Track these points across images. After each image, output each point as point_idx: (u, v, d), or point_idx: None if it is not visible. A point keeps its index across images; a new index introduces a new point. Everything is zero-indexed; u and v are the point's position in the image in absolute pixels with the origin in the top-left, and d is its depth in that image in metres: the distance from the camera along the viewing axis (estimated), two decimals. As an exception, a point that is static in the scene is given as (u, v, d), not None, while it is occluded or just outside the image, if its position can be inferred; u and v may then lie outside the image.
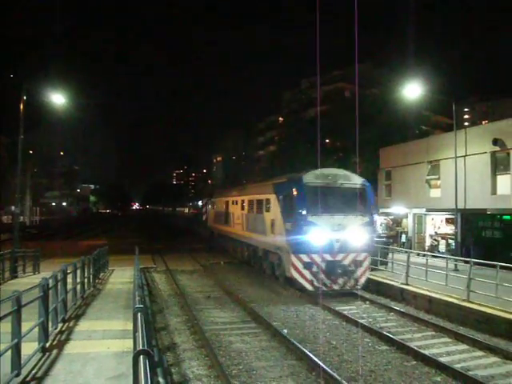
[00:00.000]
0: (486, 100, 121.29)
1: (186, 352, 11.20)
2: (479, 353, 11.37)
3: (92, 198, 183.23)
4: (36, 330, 9.19)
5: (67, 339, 10.51)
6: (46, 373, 8.07)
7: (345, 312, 15.28)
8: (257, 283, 21.31)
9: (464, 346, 11.91)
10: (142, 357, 3.85)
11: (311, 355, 10.37)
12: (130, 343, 8.99)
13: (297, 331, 13.16)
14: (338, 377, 9.10)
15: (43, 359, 8.86)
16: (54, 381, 7.68)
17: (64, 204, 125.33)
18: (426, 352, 11.01)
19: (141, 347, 4.36)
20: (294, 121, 66.37)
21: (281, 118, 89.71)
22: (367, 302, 17.24)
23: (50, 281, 10.61)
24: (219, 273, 24.54)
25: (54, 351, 9.42)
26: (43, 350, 9.30)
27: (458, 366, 10.08)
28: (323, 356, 10.83)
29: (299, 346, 11.17)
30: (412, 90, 27.27)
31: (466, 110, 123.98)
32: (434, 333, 13.20)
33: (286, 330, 13.02)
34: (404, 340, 12.01)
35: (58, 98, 22.77)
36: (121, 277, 21.45)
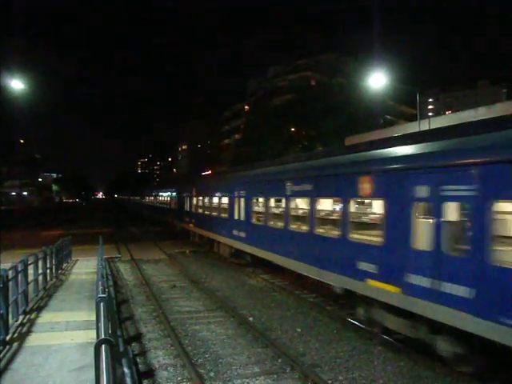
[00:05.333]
0: (450, 91, 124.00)
1: (151, 342, 11.11)
2: None
3: (55, 188, 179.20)
4: (-5, 322, 8.95)
5: (29, 331, 10.30)
6: (6, 367, 7.88)
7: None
8: (222, 272, 21.29)
9: None
10: (103, 346, 3.78)
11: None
12: (94, 334, 8.83)
13: (262, 319, 13.22)
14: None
15: (3, 353, 8.65)
16: (14, 374, 7.51)
17: (25, 193, 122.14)
18: None
19: (103, 336, 4.28)
20: (259, 109, 66.36)
21: (246, 107, 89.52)
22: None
23: (10, 272, 10.35)
24: (185, 262, 24.40)
25: (15, 344, 9.21)
26: (3, 343, 9.08)
27: None
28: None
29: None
30: (377, 80, 27.70)
31: (430, 100, 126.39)
32: None
33: (251, 318, 13.08)
34: None
35: (16, 84, 22.04)
36: (85, 267, 21.11)
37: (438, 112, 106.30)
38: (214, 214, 25.04)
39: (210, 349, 10.58)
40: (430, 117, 37.42)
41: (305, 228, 14.35)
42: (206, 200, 27.06)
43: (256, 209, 18.81)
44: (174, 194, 40.32)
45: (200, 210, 28.65)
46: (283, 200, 15.76)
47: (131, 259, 25.30)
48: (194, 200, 30.55)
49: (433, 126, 26.36)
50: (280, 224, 16.22)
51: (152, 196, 59.89)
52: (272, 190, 17.02)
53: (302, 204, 15.48)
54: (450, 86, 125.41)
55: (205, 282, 18.66)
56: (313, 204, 13.62)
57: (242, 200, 19.98)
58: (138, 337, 11.51)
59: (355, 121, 46.31)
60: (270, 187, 17.24)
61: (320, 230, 13.49)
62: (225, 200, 22.92)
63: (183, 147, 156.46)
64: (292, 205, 15.48)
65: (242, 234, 19.81)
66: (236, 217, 20.73)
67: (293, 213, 15.49)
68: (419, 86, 33.66)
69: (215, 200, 25.00)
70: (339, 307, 14.23)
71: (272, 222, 17.01)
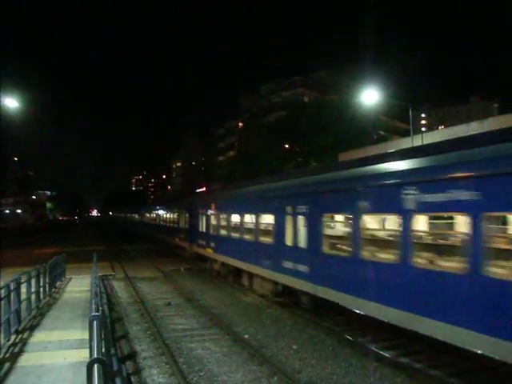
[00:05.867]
0: (442, 106, 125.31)
1: (146, 360, 10.99)
2: None
3: (49, 205, 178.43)
4: (-13, 342, 8.84)
5: (21, 351, 10.16)
6: (-2, 387, 7.76)
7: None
8: (217, 289, 21.17)
9: None
10: (96, 365, 3.73)
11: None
12: (87, 353, 8.74)
13: (258, 336, 13.12)
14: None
15: (-5, 372, 8.51)
16: (6, 395, 7.39)
17: (19, 211, 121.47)
18: None
19: (95, 355, 4.23)
20: (253, 126, 66.68)
21: (241, 124, 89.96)
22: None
23: (2, 291, 10.24)
24: (179, 279, 24.25)
25: (7, 364, 9.08)
26: (-5, 362, 8.94)
27: None
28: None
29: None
30: (370, 96, 27.98)
31: (423, 115, 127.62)
32: None
33: (247, 336, 12.98)
34: None
35: (11, 102, 22.09)
36: (79, 285, 20.94)
37: (430, 127, 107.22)
38: (246, 237, 19.24)
39: (206, 367, 10.47)
40: (423, 132, 37.75)
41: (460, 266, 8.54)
42: (234, 219, 20.90)
43: (330, 231, 13.59)
44: (184, 210, 33.20)
45: (223, 232, 22.31)
46: (397, 219, 10.12)
47: (125, 277, 25.13)
48: (214, 218, 24.21)
49: (426, 142, 26.57)
50: (390, 256, 10.58)
51: (154, 213, 53.09)
52: (380, 202, 10.96)
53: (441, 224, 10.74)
54: (443, 101, 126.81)
55: (200, 300, 18.52)
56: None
57: (301, 218, 14.40)
58: (132, 355, 11.38)
59: (348, 137, 46.57)
60: (378, 198, 11.01)
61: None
62: (267, 219, 17.60)
63: (177, 164, 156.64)
64: (420, 225, 10.09)
65: (302, 268, 14.08)
66: (289, 242, 15.15)
67: (419, 239, 10.10)
68: (412, 102, 34.01)
69: (249, 218, 19.13)
70: (335, 323, 14.15)
71: (369, 253, 11.34)
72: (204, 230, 26.28)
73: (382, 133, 56.64)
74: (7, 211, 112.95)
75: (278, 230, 16.06)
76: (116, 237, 64.86)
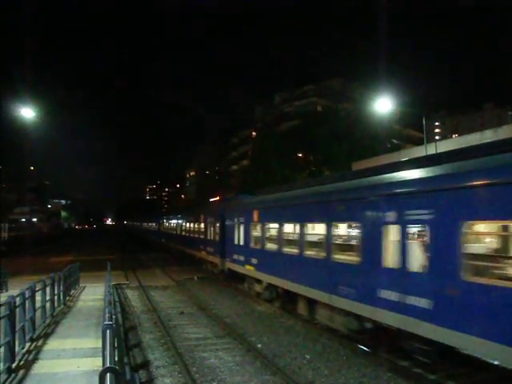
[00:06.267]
0: (456, 114, 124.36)
1: (159, 369, 10.98)
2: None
3: (64, 214, 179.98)
4: (1, 350, 8.91)
5: (35, 359, 10.22)
6: (12, 394, 7.81)
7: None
8: (230, 298, 21.13)
9: None
10: (108, 374, 3.74)
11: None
12: (100, 361, 8.77)
13: (271, 346, 13.06)
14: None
15: (9, 380, 8.58)
16: (20, 402, 7.44)
17: (34, 220, 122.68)
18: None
19: (108, 364, 4.24)
20: (266, 135, 66.74)
21: (254, 133, 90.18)
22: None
23: (18, 299, 10.34)
24: (193, 288, 24.26)
25: (21, 372, 9.15)
26: (9, 370, 9.01)
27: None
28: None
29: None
30: (383, 105, 27.90)
31: (436, 124, 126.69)
32: None
33: (260, 345, 12.93)
34: None
35: (27, 112, 22.41)
36: (92, 294, 21.04)
37: (444, 135, 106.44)
38: (309, 253, 14.97)
39: (218, 376, 10.43)
40: (436, 140, 37.47)
41: None
42: (289, 228, 16.63)
43: (477, 249, 9.12)
44: (213, 219, 28.30)
45: (271, 246, 18.07)
46: None
47: (139, 285, 25.22)
48: (259, 229, 19.62)
49: (439, 150, 26.37)
50: None
51: (174, 222, 47.50)
52: None
53: None
54: (456, 108, 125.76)
55: (213, 309, 18.51)
56: None
57: (418, 229, 10.34)
58: (145, 364, 11.39)
59: (361, 146, 46.41)
60: None
61: None
62: (348, 229, 13.85)
63: (191, 173, 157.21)
64: None
65: (417, 301, 9.46)
66: (390, 263, 10.58)
67: None
68: (425, 110, 33.84)
69: (314, 229, 15.16)
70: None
71: None
72: (242, 242, 21.83)
73: (395, 141, 56.34)
74: (23, 220, 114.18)
75: (369, 245, 11.53)
76: (131, 246, 65.16)
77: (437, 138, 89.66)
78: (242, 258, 21.78)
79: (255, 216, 20.07)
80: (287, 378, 10.10)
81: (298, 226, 15.68)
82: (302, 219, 15.42)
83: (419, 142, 52.76)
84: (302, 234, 15.24)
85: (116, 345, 7.05)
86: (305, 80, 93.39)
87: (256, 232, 20.08)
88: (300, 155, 53.25)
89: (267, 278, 18.54)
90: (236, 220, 23.11)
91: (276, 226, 17.51)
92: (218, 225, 26.69)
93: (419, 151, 28.86)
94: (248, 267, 20.72)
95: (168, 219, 54.13)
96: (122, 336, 13.05)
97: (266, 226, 18.75)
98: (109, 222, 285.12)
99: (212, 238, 28.37)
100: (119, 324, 13.88)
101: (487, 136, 24.82)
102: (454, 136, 74.44)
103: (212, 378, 10.34)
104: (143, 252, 53.24)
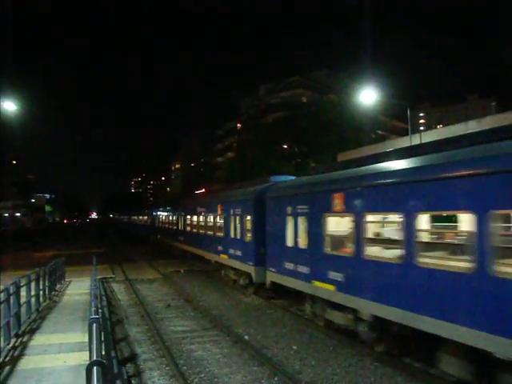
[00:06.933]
0: (440, 105, 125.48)
1: (146, 362, 10.97)
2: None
3: (48, 208, 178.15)
4: (-14, 346, 8.82)
5: (21, 354, 10.15)
6: (-2, 390, 7.75)
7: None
8: (217, 291, 21.16)
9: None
10: (95, 368, 3.73)
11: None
12: (87, 356, 8.74)
13: (258, 337, 13.11)
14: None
15: (-6, 376, 8.50)
16: (6, 398, 7.38)
17: (18, 214, 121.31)
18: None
19: (95, 358, 4.22)
20: (252, 127, 66.66)
21: (239, 125, 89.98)
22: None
23: (2, 294, 10.23)
24: (179, 281, 24.23)
25: (7, 368, 9.07)
26: (-5, 366, 8.93)
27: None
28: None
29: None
30: (368, 96, 28.00)
31: (421, 115, 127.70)
32: None
33: (247, 337, 12.98)
34: None
35: (9, 105, 22.07)
36: (78, 288, 20.91)
37: (429, 126, 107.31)
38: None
39: (206, 368, 10.46)
40: (421, 131, 37.76)
41: None
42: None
43: None
44: (239, 210, 20.63)
45: (376, 251, 11.12)
46: None
47: (125, 279, 25.11)
48: (346, 223, 12.03)
49: (424, 140, 26.60)
50: None
51: (175, 214, 37.85)
52: None
53: None
54: (441, 100, 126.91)
55: (200, 301, 18.51)
56: None
57: None
58: (132, 357, 11.36)
59: (347, 137, 46.59)
60: None
61: None
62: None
63: (176, 166, 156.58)
64: None
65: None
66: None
67: None
68: (410, 101, 34.08)
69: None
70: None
71: None
72: (305, 244, 14.26)
73: (380, 132, 56.65)
74: (6, 215, 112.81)
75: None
76: (115, 240, 64.86)
77: (421, 128, 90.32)
78: (304, 270, 14.20)
79: (337, 203, 12.32)
80: (274, 368, 10.16)
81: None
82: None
83: (404, 133, 53.11)
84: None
85: (103, 338, 7.02)
86: (290, 71, 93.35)
87: (337, 228, 12.90)
88: (285, 146, 53.33)
89: (368, 307, 10.78)
90: (289, 210, 15.45)
91: (397, 217, 9.86)
92: (248, 218, 19.63)
93: (404, 142, 29.09)
94: (319, 284, 13.20)
95: (166, 211, 44.56)
96: (109, 330, 13.00)
97: (367, 219, 11.12)
98: (94, 215, 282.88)
99: (238, 236, 20.83)
100: (106, 318, 13.81)
101: (471, 126, 25.06)
102: (438, 127, 75.02)
103: (200, 370, 10.36)
104: (131, 246, 53.03)
